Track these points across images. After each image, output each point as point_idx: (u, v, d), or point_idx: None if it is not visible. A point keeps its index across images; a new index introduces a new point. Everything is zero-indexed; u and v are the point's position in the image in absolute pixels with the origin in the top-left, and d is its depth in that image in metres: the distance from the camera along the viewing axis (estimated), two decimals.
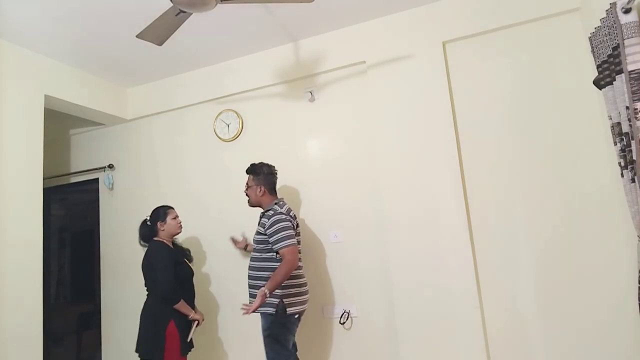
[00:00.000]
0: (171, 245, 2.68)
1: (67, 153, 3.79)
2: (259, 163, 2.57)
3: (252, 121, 3.15)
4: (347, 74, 2.91)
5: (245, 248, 2.84)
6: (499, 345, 2.39)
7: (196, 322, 2.60)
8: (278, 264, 2.29)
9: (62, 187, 3.78)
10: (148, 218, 2.70)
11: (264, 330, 2.36)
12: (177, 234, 2.72)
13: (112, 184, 3.55)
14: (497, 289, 2.43)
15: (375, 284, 2.69)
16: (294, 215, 2.49)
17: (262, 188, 2.50)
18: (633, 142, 1.72)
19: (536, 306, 2.35)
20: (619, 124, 1.82)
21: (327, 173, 2.89)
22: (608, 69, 1.88)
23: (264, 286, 2.19)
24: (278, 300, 2.31)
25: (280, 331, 2.32)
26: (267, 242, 2.35)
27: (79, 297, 3.81)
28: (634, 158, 1.72)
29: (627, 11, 1.70)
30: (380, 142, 2.70)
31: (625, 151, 1.79)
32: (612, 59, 1.82)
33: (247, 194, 2.56)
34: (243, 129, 3.17)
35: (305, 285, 2.48)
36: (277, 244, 2.30)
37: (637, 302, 1.87)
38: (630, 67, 1.69)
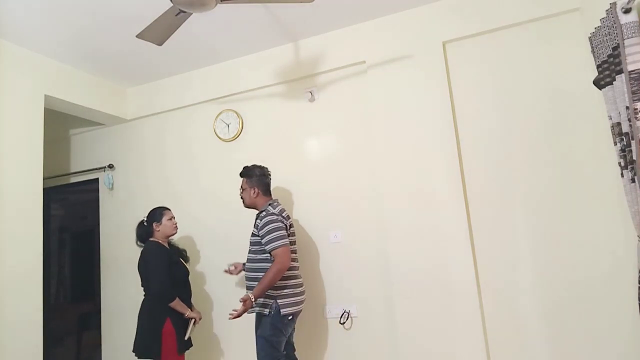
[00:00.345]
0: (167, 246, 2.71)
1: (67, 153, 3.79)
2: (252, 165, 2.59)
3: (252, 121, 3.16)
4: (347, 74, 2.91)
5: (243, 268, 2.80)
6: (499, 345, 2.39)
7: (193, 321, 2.61)
8: None
9: (62, 187, 3.78)
10: (145, 219, 2.72)
11: (257, 330, 2.38)
12: (173, 234, 2.76)
13: (112, 184, 3.55)
14: (497, 289, 2.43)
15: (375, 283, 2.70)
16: (287, 215, 2.50)
17: (256, 190, 2.52)
18: (633, 142, 1.71)
19: (536, 306, 2.35)
20: (619, 124, 1.82)
21: (326, 173, 2.89)
22: (608, 69, 1.88)
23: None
24: (272, 301, 2.32)
25: (273, 332, 2.32)
26: (261, 243, 2.37)
27: (79, 297, 3.81)
28: (634, 158, 1.72)
29: (627, 11, 1.70)
30: (381, 142, 2.70)
31: (625, 151, 1.79)
32: (612, 59, 1.82)
33: (241, 197, 2.58)
34: (243, 129, 3.17)
35: (301, 286, 2.48)
36: (268, 244, 2.31)
37: (637, 302, 1.87)
38: (630, 67, 1.69)
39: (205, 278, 3.18)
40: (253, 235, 2.45)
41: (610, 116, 1.90)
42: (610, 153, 2.15)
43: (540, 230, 2.37)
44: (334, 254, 2.83)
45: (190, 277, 2.76)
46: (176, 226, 2.76)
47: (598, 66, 1.96)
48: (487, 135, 2.52)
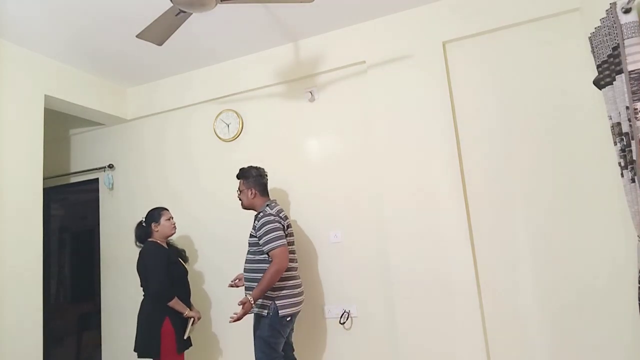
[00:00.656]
0: (165, 246, 2.72)
1: (67, 153, 3.79)
2: (248, 167, 2.60)
3: (252, 121, 3.16)
4: (347, 74, 2.91)
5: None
6: (499, 345, 2.39)
7: (192, 320, 2.62)
8: None
9: (62, 187, 3.78)
10: (143, 219, 2.73)
11: (255, 331, 2.38)
12: (171, 234, 2.76)
13: (112, 184, 3.55)
14: (498, 289, 2.43)
15: (375, 284, 2.70)
16: (285, 216, 2.49)
17: (253, 190, 2.52)
18: (633, 142, 1.71)
19: (536, 306, 2.35)
20: (619, 124, 1.82)
21: (326, 173, 2.89)
22: (608, 69, 1.88)
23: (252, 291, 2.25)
24: (270, 302, 2.32)
25: (271, 334, 2.31)
26: (259, 244, 2.37)
27: (79, 297, 3.81)
28: (634, 158, 1.72)
29: (627, 11, 1.70)
30: (381, 142, 2.70)
31: (625, 151, 1.79)
32: (612, 59, 1.82)
33: (239, 198, 2.58)
34: (243, 129, 3.17)
35: (299, 287, 2.47)
36: (266, 245, 2.31)
37: (637, 302, 1.87)
38: (630, 67, 1.69)
39: (204, 278, 3.18)
40: (251, 236, 2.45)
41: (610, 116, 1.90)
42: (610, 153, 2.15)
43: (540, 231, 2.37)
44: (333, 254, 2.83)
45: (189, 277, 2.77)
46: (174, 226, 2.77)
47: (598, 66, 1.96)
48: (487, 135, 2.52)
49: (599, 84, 1.99)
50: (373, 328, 2.68)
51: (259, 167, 2.60)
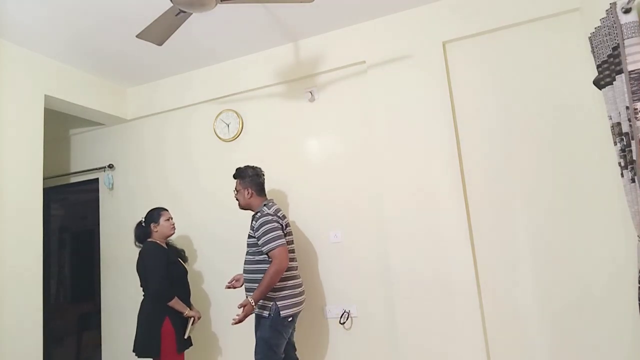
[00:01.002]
0: (165, 246, 2.72)
1: (67, 153, 3.79)
2: (245, 166, 2.58)
3: (252, 121, 3.16)
4: (347, 74, 2.91)
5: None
6: (499, 346, 2.39)
7: (192, 320, 2.62)
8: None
9: (62, 187, 3.78)
10: (143, 220, 2.74)
11: (257, 332, 2.37)
12: (171, 235, 2.77)
13: (112, 184, 3.55)
14: (498, 289, 2.43)
15: (375, 284, 2.70)
16: (283, 215, 2.48)
17: (250, 190, 2.50)
18: (633, 142, 1.71)
19: (536, 306, 2.35)
20: (619, 124, 1.82)
21: (327, 173, 2.89)
22: (608, 69, 1.88)
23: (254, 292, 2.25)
24: (271, 302, 2.30)
25: (272, 335, 2.29)
26: (257, 245, 2.35)
27: (79, 297, 3.81)
28: (634, 158, 1.72)
29: (627, 11, 1.70)
30: (380, 142, 2.70)
31: (625, 151, 1.79)
32: (612, 59, 1.82)
33: (236, 199, 2.56)
34: (243, 129, 3.17)
35: (300, 287, 2.45)
36: (265, 245, 2.29)
37: (637, 302, 1.87)
38: (630, 67, 1.69)
39: (204, 277, 3.18)
40: (249, 237, 2.44)
41: (610, 116, 1.90)
42: (610, 153, 2.15)
43: (540, 230, 2.37)
44: (334, 254, 2.83)
45: (189, 277, 2.77)
46: (174, 226, 2.77)
47: (598, 66, 1.96)
48: (487, 135, 2.52)
49: (599, 84, 1.99)
50: (373, 328, 2.68)
51: (256, 167, 2.58)
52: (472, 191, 2.52)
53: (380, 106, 2.73)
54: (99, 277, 3.53)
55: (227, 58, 3.18)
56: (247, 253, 2.46)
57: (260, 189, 2.55)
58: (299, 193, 2.96)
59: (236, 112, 3.18)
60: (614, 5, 1.75)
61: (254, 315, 2.41)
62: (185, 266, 2.79)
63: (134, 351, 2.53)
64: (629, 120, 1.72)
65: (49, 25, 2.53)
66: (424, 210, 2.55)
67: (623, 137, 1.79)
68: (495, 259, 2.44)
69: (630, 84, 1.68)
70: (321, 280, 2.84)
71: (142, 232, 2.70)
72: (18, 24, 2.48)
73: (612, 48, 1.81)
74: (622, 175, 1.85)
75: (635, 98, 1.67)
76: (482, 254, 2.46)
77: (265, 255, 2.33)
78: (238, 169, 2.58)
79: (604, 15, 1.83)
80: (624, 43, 1.71)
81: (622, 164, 1.84)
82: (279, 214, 2.43)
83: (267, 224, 2.33)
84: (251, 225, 2.44)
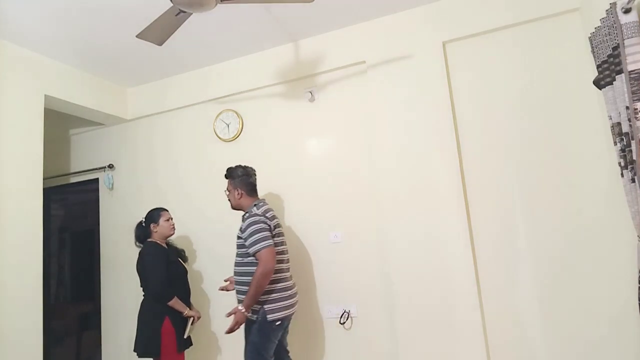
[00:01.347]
0: (165, 246, 2.73)
1: (67, 153, 3.79)
2: (235, 166, 2.53)
3: (252, 121, 3.16)
4: (347, 74, 2.91)
5: None
6: (499, 346, 2.39)
7: (192, 319, 2.62)
8: None
9: (62, 187, 3.78)
10: (143, 220, 2.74)
11: (245, 335, 2.34)
12: (171, 235, 2.77)
13: (112, 184, 3.55)
14: (497, 290, 2.43)
15: (376, 283, 2.70)
16: (273, 215, 2.40)
17: (239, 190, 2.45)
18: (633, 142, 1.72)
19: (536, 307, 2.35)
20: (619, 124, 1.82)
21: (327, 173, 2.89)
22: (608, 69, 1.88)
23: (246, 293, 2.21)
24: (259, 306, 2.26)
25: (260, 339, 2.25)
26: (245, 246, 2.30)
27: (79, 297, 3.81)
28: (634, 158, 1.72)
29: (627, 11, 1.70)
30: (380, 142, 2.70)
31: (625, 151, 1.79)
32: (612, 59, 1.82)
33: (228, 199, 2.53)
34: (243, 129, 3.17)
35: (290, 289, 2.38)
36: (252, 246, 2.24)
37: (637, 302, 1.87)
38: (630, 67, 1.69)
39: (203, 277, 3.18)
40: (238, 238, 2.38)
41: (610, 116, 1.90)
42: (610, 153, 2.15)
43: (540, 230, 2.37)
44: (333, 254, 2.82)
45: (189, 277, 2.78)
46: (173, 227, 2.77)
47: (598, 66, 1.96)
48: (487, 135, 2.52)
49: (599, 84, 1.99)
50: (373, 328, 2.68)
51: (247, 167, 2.54)
52: (472, 191, 2.52)
53: (380, 106, 2.73)
54: (99, 277, 3.53)
55: (227, 58, 3.18)
56: (237, 254, 2.40)
57: (250, 189, 2.49)
58: (298, 192, 2.96)
59: (236, 112, 3.18)
60: (614, 5, 1.75)
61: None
62: (185, 266, 2.79)
63: (134, 351, 2.54)
64: (629, 120, 1.73)
65: (49, 26, 2.53)
66: (424, 209, 2.55)
67: (623, 137, 1.79)
68: (495, 259, 2.44)
69: (630, 84, 1.68)
70: (321, 281, 2.84)
71: (142, 232, 2.71)
72: (18, 24, 2.48)
73: (612, 48, 1.81)
74: (622, 175, 1.86)
75: (635, 98, 1.67)
76: (482, 254, 2.46)
77: (253, 257, 2.27)
78: (229, 169, 2.54)
79: (604, 15, 1.83)
80: (624, 43, 1.71)
81: (622, 164, 1.84)
82: (267, 215, 2.36)
83: (254, 224, 2.28)
84: (240, 226, 2.40)
